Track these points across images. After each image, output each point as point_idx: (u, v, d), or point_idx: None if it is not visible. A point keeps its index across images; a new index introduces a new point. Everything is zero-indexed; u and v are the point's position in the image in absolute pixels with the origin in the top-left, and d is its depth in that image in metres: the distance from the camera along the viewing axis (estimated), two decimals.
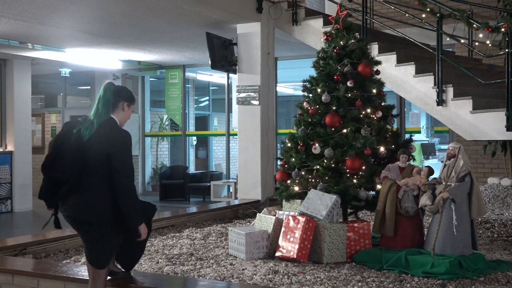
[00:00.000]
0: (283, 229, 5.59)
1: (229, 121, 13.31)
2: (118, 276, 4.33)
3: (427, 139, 12.71)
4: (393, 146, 6.09)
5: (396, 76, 7.60)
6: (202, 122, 16.33)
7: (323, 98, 6.04)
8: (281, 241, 5.54)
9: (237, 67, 9.31)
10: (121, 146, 3.73)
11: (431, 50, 7.56)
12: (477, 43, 9.10)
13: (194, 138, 15.25)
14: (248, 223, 7.71)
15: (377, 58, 6.62)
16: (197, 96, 16.26)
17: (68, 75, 13.61)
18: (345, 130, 5.95)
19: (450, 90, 6.96)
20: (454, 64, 7.35)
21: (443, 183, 5.39)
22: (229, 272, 5.02)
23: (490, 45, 8.69)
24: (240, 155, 9.40)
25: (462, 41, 9.12)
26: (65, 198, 3.76)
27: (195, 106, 15.88)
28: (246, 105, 9.20)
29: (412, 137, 6.30)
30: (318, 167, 5.98)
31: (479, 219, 7.16)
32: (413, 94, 7.46)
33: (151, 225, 4.41)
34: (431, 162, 11.88)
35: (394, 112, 6.34)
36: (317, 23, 8.89)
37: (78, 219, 3.77)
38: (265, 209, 6.34)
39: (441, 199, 5.27)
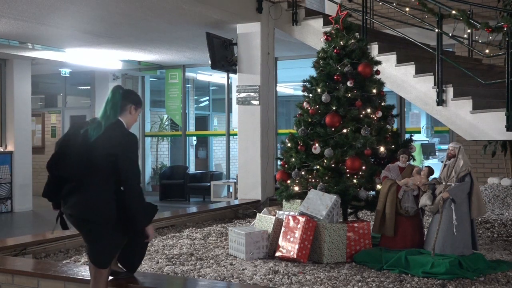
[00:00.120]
0: (283, 229, 5.59)
1: (229, 121, 13.31)
2: (120, 276, 4.33)
3: (427, 139, 12.70)
4: (393, 146, 6.09)
5: (396, 76, 7.60)
6: (202, 122, 16.33)
7: (323, 98, 6.05)
8: (281, 241, 5.54)
9: (237, 67, 9.31)
10: (128, 148, 3.80)
11: (431, 50, 7.56)
12: (479, 41, 9.08)
13: (194, 138, 15.25)
14: (248, 223, 7.71)
15: (377, 58, 6.62)
16: (197, 96, 16.26)
17: (68, 75, 13.62)
18: (345, 130, 5.95)
19: (450, 90, 6.97)
20: (454, 64, 7.35)
21: (443, 183, 5.39)
22: (229, 272, 5.02)
23: (490, 45, 8.69)
24: (240, 155, 9.40)
25: (462, 40, 9.12)
26: (68, 197, 3.81)
27: (195, 106, 15.88)
28: (246, 105, 9.20)
29: (412, 137, 6.30)
30: (318, 167, 5.98)
31: (479, 219, 7.17)
32: (413, 94, 7.46)
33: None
34: (431, 162, 11.88)
35: (394, 112, 6.34)
36: (317, 23, 8.89)
37: (80, 217, 3.81)
38: (265, 209, 6.34)
39: (441, 199, 5.27)
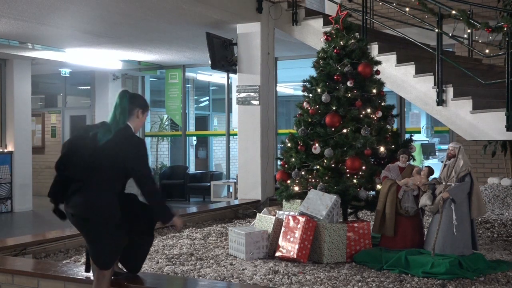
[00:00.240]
0: (283, 229, 5.59)
1: (229, 121, 13.30)
2: (121, 277, 4.34)
3: (427, 139, 12.71)
4: (393, 146, 6.09)
5: (396, 76, 7.60)
6: (202, 122, 16.33)
7: (323, 98, 6.04)
8: (281, 241, 5.54)
9: (237, 67, 9.31)
10: (139, 152, 3.93)
11: (431, 50, 7.56)
12: (479, 41, 9.08)
13: (194, 138, 15.25)
14: (248, 223, 7.71)
15: (377, 58, 6.62)
16: (197, 96, 16.25)
17: (68, 75, 13.62)
18: (345, 130, 5.95)
19: (450, 90, 6.97)
20: (454, 64, 7.35)
21: (443, 183, 5.39)
22: (229, 272, 5.02)
23: (490, 45, 8.69)
24: (240, 155, 9.40)
25: (462, 41, 9.12)
26: (71, 197, 3.87)
27: (195, 106, 15.88)
28: (246, 105, 9.20)
29: (412, 137, 6.30)
30: (318, 167, 5.98)
31: (479, 219, 7.16)
32: (413, 94, 7.46)
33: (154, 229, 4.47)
34: (431, 162, 11.88)
35: (394, 112, 6.34)
36: (317, 23, 8.89)
37: (81, 216, 3.86)
38: (265, 209, 6.34)
39: (441, 199, 5.27)
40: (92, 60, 12.27)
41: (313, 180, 5.95)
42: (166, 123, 14.85)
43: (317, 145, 5.95)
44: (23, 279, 4.66)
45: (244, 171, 9.27)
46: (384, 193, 5.60)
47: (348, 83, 6.00)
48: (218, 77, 14.36)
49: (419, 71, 7.39)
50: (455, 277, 4.73)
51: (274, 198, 8.37)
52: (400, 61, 7.63)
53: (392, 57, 7.67)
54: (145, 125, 14.54)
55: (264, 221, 5.89)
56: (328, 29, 6.89)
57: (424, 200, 5.41)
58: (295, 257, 5.33)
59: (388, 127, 6.17)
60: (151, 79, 15.00)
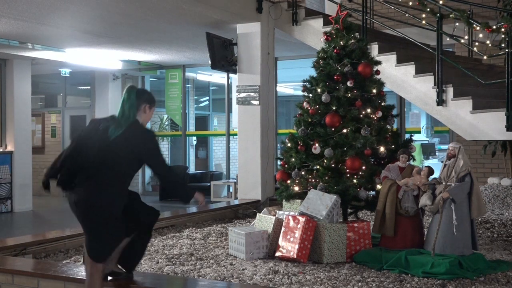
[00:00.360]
0: (283, 229, 5.59)
1: (229, 121, 13.30)
2: (120, 277, 4.34)
3: (427, 139, 12.70)
4: (393, 146, 6.09)
5: (396, 76, 7.60)
6: (202, 122, 16.33)
7: (323, 98, 6.04)
8: (281, 241, 5.54)
9: (237, 67, 9.31)
10: (153, 144, 4.03)
11: (431, 50, 7.56)
12: (477, 43, 9.09)
13: (194, 138, 15.25)
14: (248, 223, 7.70)
15: (377, 58, 6.62)
16: (197, 96, 16.25)
17: (68, 75, 13.61)
18: (345, 130, 5.95)
19: (450, 90, 6.96)
20: (454, 64, 7.35)
21: (443, 183, 5.39)
22: (229, 272, 5.02)
23: (490, 45, 8.68)
24: (240, 155, 9.40)
25: (462, 41, 9.12)
26: (78, 185, 3.91)
27: (195, 106, 15.88)
28: (246, 105, 9.20)
29: (412, 137, 6.30)
30: (318, 167, 5.98)
31: (479, 219, 7.16)
32: (413, 94, 7.46)
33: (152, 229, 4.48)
34: (431, 162, 11.88)
35: (394, 112, 6.34)
36: (317, 23, 8.89)
37: (85, 204, 3.86)
38: (265, 209, 6.34)
39: (441, 199, 5.27)
40: (92, 60, 12.27)
41: (313, 180, 5.95)
42: (166, 123, 14.85)
43: (317, 145, 5.95)
44: (23, 279, 4.66)
45: (244, 171, 9.27)
46: (384, 193, 5.60)
47: (348, 83, 6.00)
48: (218, 77, 14.36)
49: (419, 71, 7.39)
50: (455, 277, 4.73)
51: (274, 198, 8.37)
52: (400, 61, 7.63)
53: (392, 57, 7.67)
54: None
55: (264, 221, 5.89)
56: (328, 29, 6.89)
57: (424, 200, 5.41)
58: (295, 257, 5.33)
59: (388, 127, 6.17)
60: (151, 79, 15.00)
